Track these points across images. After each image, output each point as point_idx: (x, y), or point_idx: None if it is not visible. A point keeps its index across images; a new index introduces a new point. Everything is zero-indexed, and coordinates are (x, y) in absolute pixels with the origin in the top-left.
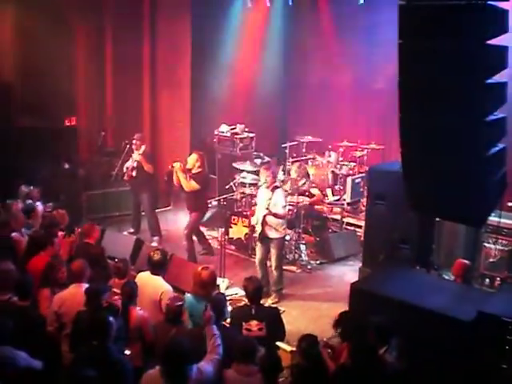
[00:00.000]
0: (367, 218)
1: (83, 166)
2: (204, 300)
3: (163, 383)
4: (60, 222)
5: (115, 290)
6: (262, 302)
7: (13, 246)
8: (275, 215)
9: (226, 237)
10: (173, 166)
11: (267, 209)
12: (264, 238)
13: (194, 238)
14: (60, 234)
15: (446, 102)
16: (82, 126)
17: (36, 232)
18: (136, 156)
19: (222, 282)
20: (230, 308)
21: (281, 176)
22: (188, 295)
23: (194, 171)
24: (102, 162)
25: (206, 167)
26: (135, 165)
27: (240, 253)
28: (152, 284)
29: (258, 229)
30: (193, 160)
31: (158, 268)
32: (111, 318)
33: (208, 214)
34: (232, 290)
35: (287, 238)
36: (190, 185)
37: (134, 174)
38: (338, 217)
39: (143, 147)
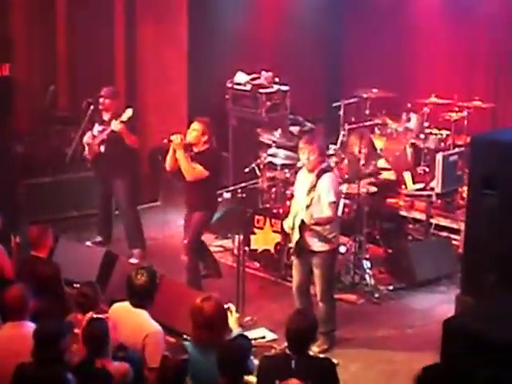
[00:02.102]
0: (470, 218)
1: (22, 140)
2: (212, 350)
3: None
4: None
5: (77, 330)
6: None
7: None
8: (318, 222)
9: (247, 248)
10: (170, 140)
11: (308, 206)
12: (304, 251)
13: None
14: None
15: None
16: (21, 77)
17: None
18: (115, 125)
19: (230, 314)
20: (255, 360)
21: (332, 153)
22: (187, 343)
23: (196, 149)
24: (51, 132)
25: (214, 142)
26: (105, 136)
27: (268, 273)
28: (132, 321)
29: (296, 236)
30: (196, 132)
31: (141, 297)
32: (70, 376)
33: (217, 214)
34: (257, 331)
35: (342, 250)
36: (195, 170)
37: (102, 149)
38: (422, 216)
39: (129, 111)
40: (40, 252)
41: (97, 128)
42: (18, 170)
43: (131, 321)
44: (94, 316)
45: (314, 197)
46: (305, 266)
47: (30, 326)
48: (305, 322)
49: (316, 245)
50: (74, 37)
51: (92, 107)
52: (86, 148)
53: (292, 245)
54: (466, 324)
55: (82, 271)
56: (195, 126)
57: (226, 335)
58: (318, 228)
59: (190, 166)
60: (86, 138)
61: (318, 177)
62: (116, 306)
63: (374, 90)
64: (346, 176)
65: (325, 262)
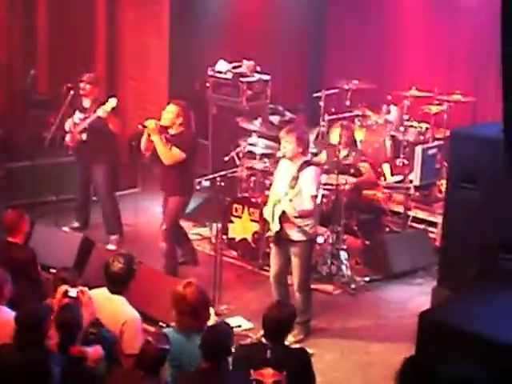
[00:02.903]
0: (448, 211)
1: (0, 123)
2: (194, 335)
3: None
4: None
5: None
6: None
7: None
8: (301, 214)
9: (224, 237)
10: (144, 126)
11: (291, 200)
12: (283, 241)
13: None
14: None
15: None
16: (1, 59)
17: None
18: (101, 111)
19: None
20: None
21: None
22: (169, 330)
23: (172, 131)
24: (29, 116)
25: (192, 126)
26: (87, 125)
27: (245, 262)
28: (109, 308)
29: (275, 226)
30: (170, 114)
31: (118, 283)
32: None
33: (195, 201)
34: (233, 319)
35: (319, 240)
36: (172, 153)
37: (83, 137)
38: (399, 208)
39: (113, 101)
40: (16, 237)
41: (78, 115)
42: None
43: (109, 307)
44: (69, 290)
45: (296, 190)
46: (283, 256)
47: (7, 312)
48: (284, 312)
49: (295, 235)
50: (55, 20)
51: (72, 92)
52: (68, 136)
53: (271, 233)
54: (442, 316)
55: (58, 257)
56: (170, 108)
57: (208, 320)
58: (297, 220)
59: (167, 149)
60: (68, 126)
61: (300, 170)
62: (93, 291)
63: (355, 82)
64: (325, 167)
65: (303, 252)
